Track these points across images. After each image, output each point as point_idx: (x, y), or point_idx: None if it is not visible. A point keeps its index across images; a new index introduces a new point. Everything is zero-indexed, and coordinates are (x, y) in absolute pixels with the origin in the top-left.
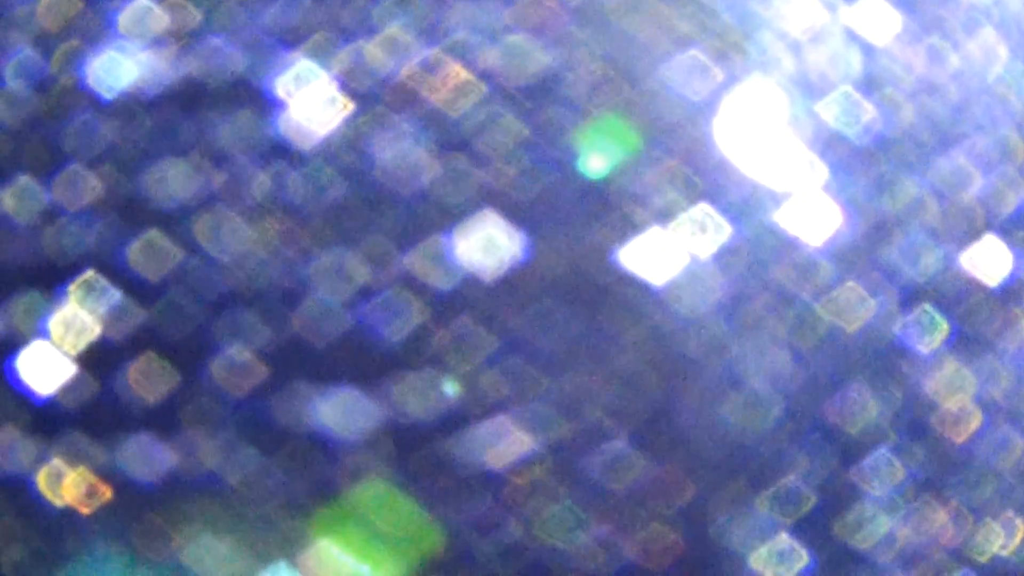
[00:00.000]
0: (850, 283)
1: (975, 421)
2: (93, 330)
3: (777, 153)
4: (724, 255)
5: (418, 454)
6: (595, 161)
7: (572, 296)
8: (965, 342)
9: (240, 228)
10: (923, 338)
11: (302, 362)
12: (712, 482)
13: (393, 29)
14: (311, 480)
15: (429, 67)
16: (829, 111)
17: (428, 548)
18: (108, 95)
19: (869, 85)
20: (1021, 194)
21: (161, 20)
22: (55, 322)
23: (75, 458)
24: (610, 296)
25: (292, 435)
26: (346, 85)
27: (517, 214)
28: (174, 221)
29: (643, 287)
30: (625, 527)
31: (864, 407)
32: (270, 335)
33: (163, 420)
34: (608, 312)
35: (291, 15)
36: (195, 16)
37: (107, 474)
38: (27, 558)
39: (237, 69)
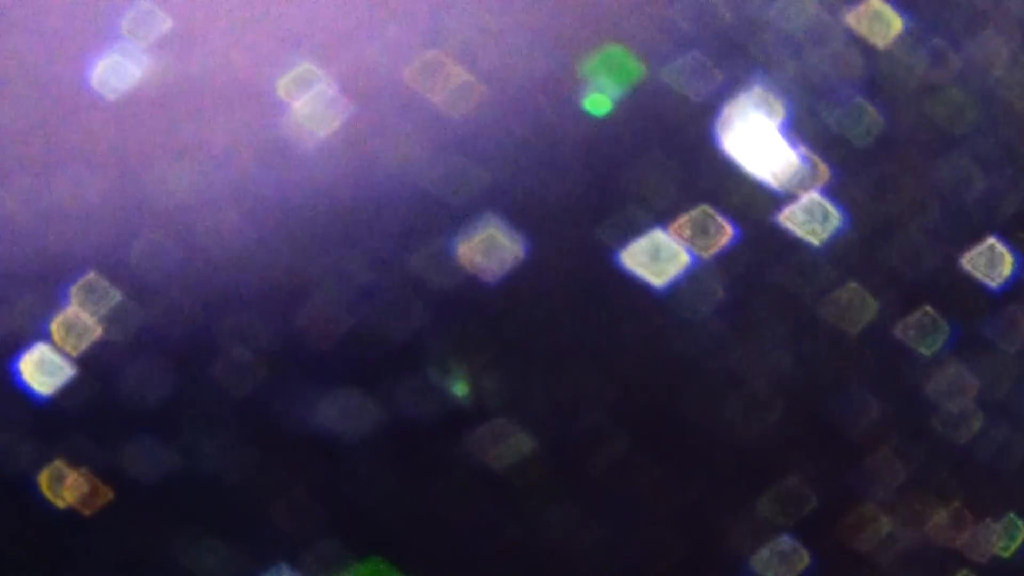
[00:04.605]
0: (852, 284)
1: (977, 423)
2: (95, 331)
3: (779, 154)
4: (725, 256)
5: (419, 455)
6: (599, 98)
7: (573, 297)
8: (967, 344)
9: (242, 229)
10: (925, 340)
11: (304, 364)
12: (714, 484)
13: (394, 30)
14: (313, 482)
15: (430, 68)
16: (831, 112)
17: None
18: (111, 96)
19: (871, 86)
20: (1023, 195)
21: (163, 21)
22: (56, 323)
23: (77, 460)
24: (611, 297)
25: (294, 437)
26: (347, 86)
27: (518, 216)
28: (176, 222)
29: (644, 288)
30: (626, 529)
31: (866, 409)
32: (272, 337)
33: (165, 422)
34: (609, 313)
35: (292, 16)
36: (196, 17)
37: (109, 475)
38: (28, 560)
39: (238, 70)
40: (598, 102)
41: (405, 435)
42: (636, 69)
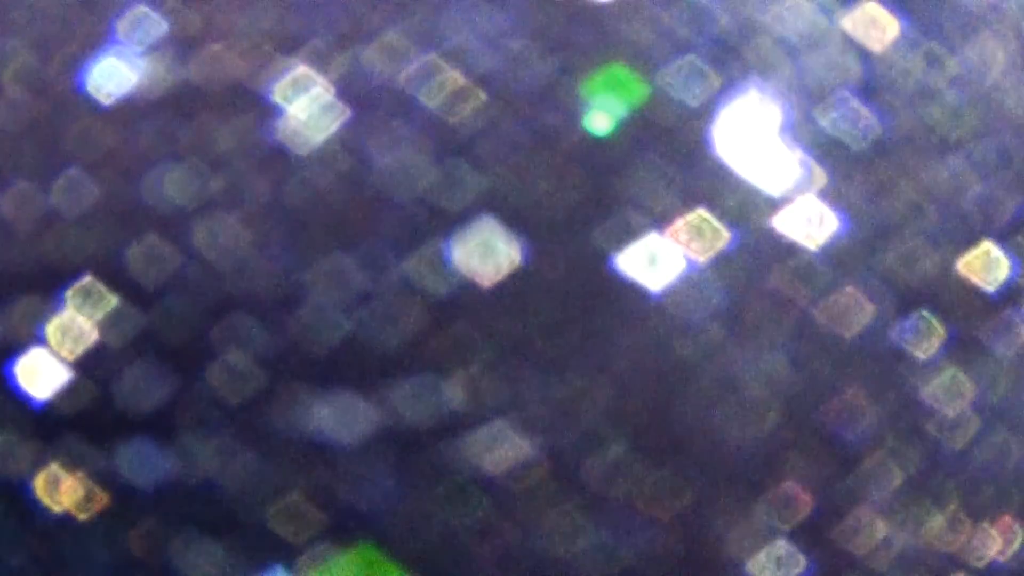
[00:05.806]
0: (848, 288)
1: (973, 427)
2: (91, 335)
3: (774, 158)
4: (721, 260)
5: (415, 459)
6: (600, 118)
7: (569, 301)
8: (963, 348)
9: (238, 234)
10: (921, 344)
11: (300, 368)
12: (710, 488)
13: (391, 34)
14: (310, 487)
15: (426, 72)
16: (827, 116)
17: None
18: (106, 100)
19: (867, 90)
20: (1019, 200)
21: (159, 25)
22: (52, 327)
23: (72, 464)
24: (607, 301)
25: (290, 441)
26: (343, 90)
27: (514, 220)
28: (172, 226)
29: (640, 292)
30: (623, 532)
31: (862, 413)
32: (268, 341)
33: (161, 426)
34: (605, 317)
35: (288, 20)
36: (193, 21)
37: (105, 480)
38: (24, 564)
39: (234, 74)
40: (600, 122)
41: (401, 440)
42: (639, 89)
